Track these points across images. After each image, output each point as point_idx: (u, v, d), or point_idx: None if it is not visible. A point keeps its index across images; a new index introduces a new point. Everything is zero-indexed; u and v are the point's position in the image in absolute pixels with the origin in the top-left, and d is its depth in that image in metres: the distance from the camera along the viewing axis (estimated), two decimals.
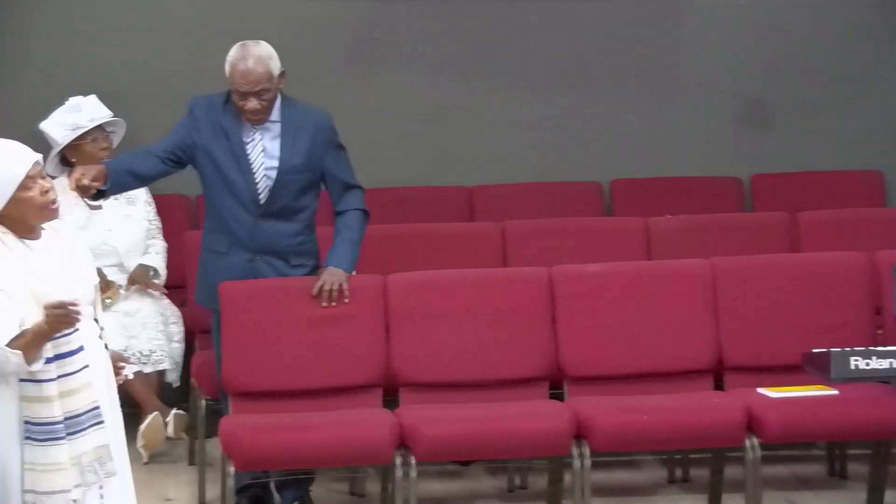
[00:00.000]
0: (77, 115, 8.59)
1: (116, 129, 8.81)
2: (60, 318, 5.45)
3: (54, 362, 5.71)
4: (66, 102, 8.77)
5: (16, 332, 5.47)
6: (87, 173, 7.36)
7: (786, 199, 10.33)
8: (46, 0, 10.06)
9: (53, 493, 5.73)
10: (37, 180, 5.88)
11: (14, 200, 5.79)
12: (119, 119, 8.85)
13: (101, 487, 5.88)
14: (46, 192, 5.85)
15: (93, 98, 8.76)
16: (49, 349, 5.61)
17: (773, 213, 10.09)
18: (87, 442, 5.78)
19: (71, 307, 5.39)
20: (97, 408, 5.81)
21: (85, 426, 5.80)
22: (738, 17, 10.67)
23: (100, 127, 8.70)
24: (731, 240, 9.26)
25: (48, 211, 5.89)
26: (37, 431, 5.71)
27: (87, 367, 5.81)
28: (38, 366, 5.50)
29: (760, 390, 7.81)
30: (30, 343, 5.48)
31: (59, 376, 5.74)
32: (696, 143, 10.72)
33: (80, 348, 5.79)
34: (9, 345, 5.39)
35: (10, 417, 5.71)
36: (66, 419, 5.76)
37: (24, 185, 5.80)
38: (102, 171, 7.46)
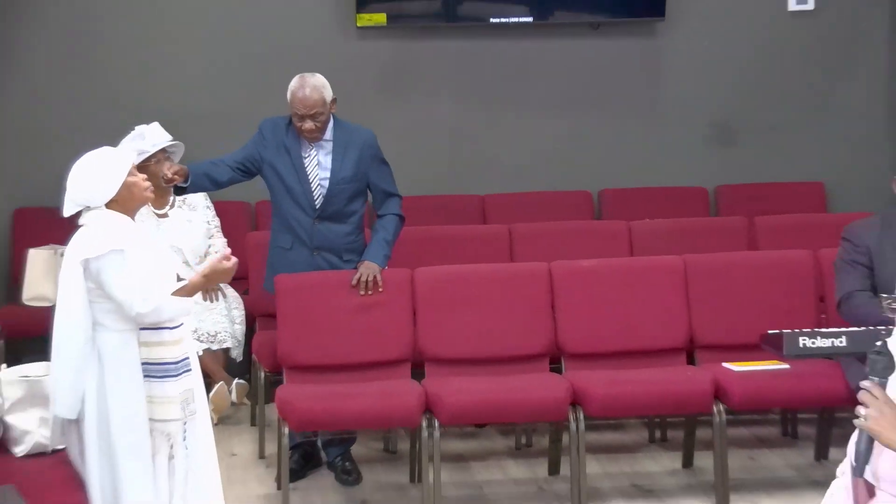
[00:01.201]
0: (142, 142, 8.56)
1: (176, 151, 8.77)
2: (228, 271, 6.08)
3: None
4: (133, 131, 8.73)
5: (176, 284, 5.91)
6: (172, 168, 7.52)
7: (745, 206, 10.33)
8: (117, 43, 10.05)
9: (168, 420, 5.95)
10: (136, 172, 6.12)
11: (125, 184, 6.00)
12: (178, 142, 8.81)
13: (184, 424, 6.06)
14: (145, 180, 6.16)
15: (155, 125, 8.73)
16: (188, 311, 6.08)
17: (733, 217, 10.09)
18: (183, 383, 5.98)
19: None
20: (187, 358, 6.06)
21: (181, 371, 6.02)
22: (704, 56, 10.67)
23: (162, 150, 8.66)
24: (699, 240, 9.23)
25: (149, 193, 6.23)
26: (156, 371, 5.93)
27: (182, 325, 6.06)
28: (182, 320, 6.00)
29: (726, 365, 7.79)
30: (189, 293, 5.96)
31: (170, 327, 6.04)
32: (670, 159, 10.71)
33: None
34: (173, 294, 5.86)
35: (135, 359, 5.89)
36: (174, 362, 6.00)
37: (131, 172, 6.04)
38: (184, 170, 7.56)
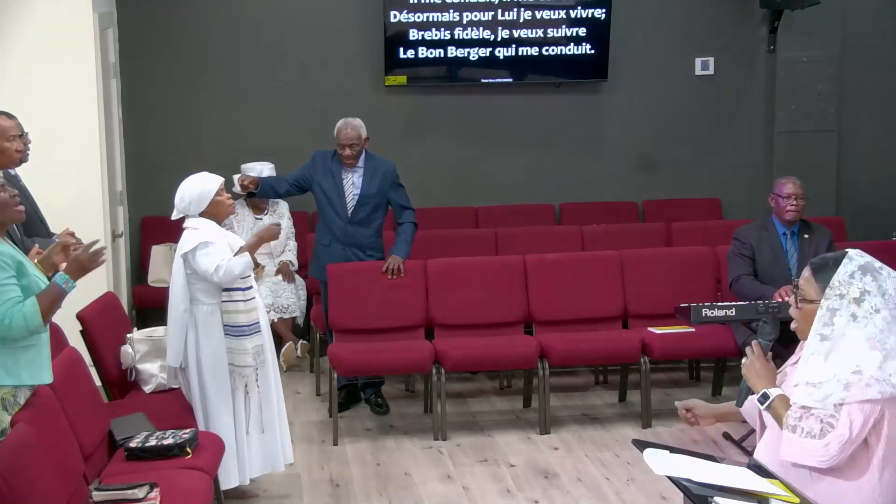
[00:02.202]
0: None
1: (264, 171, 8.83)
2: (275, 234, 6.43)
3: (241, 291, 6.15)
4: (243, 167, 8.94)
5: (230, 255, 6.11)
6: (246, 179, 7.70)
7: (663, 214, 10.29)
8: (218, 98, 10.07)
9: (244, 366, 6.12)
10: (223, 192, 6.18)
11: (213, 201, 6.13)
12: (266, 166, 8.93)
13: (256, 370, 6.23)
14: (230, 198, 6.32)
15: (254, 165, 8.88)
16: (240, 283, 6.17)
17: (655, 223, 10.08)
18: (254, 340, 6.11)
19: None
20: (258, 322, 6.22)
21: (252, 332, 6.17)
22: (635, 107, 10.68)
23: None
24: (631, 239, 9.22)
25: (231, 209, 6.42)
26: (233, 331, 6.09)
27: (254, 298, 6.21)
28: (249, 271, 6.14)
29: (650, 329, 7.84)
30: (249, 250, 6.13)
31: (243, 300, 6.16)
32: (610, 181, 10.68)
33: (251, 287, 6.21)
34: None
35: (219, 324, 6.12)
36: (247, 325, 6.11)
37: (218, 192, 6.14)
38: (256, 180, 7.77)
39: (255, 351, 6.19)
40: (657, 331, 7.80)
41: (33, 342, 4.86)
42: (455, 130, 10.55)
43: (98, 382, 6.39)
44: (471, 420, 7.90)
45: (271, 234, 6.36)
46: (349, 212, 7.91)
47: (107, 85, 8.19)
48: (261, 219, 8.97)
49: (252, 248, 6.19)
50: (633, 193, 10.75)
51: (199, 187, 6.18)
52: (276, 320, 8.75)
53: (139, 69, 9.63)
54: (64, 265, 5.03)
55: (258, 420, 6.27)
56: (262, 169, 8.86)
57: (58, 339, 5.65)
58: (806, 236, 7.49)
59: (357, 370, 7.82)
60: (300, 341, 9.03)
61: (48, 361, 5.00)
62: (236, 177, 7.73)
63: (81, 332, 6.55)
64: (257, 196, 8.19)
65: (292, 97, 10.16)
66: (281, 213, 9.22)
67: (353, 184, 7.89)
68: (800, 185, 7.47)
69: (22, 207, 5.00)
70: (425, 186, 9.58)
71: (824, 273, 3.64)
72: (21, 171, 6.26)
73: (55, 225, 6.02)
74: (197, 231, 6.12)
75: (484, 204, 10.47)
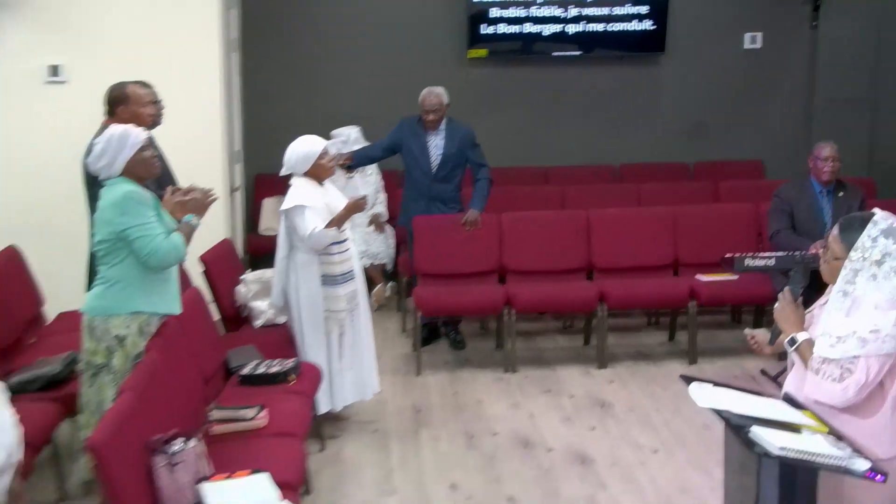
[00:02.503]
0: (343, 144, 8.71)
1: (352, 134, 8.99)
2: (360, 206, 6.27)
3: (336, 245, 6.20)
4: (341, 133, 9.12)
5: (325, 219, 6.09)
6: (341, 159, 7.69)
7: (712, 175, 10.29)
8: (321, 71, 10.29)
9: (338, 311, 6.18)
10: (325, 155, 6.23)
11: (316, 164, 6.19)
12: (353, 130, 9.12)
13: (351, 312, 6.30)
14: (331, 161, 6.36)
15: (353, 134, 9.08)
16: (336, 237, 6.17)
17: (704, 182, 10.07)
18: (347, 287, 6.19)
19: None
20: (351, 271, 6.28)
21: (346, 280, 6.26)
22: (688, 77, 10.67)
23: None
24: (683, 197, 9.26)
25: (331, 172, 6.40)
26: (328, 280, 6.19)
27: (348, 249, 6.25)
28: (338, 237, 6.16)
29: (698, 276, 7.84)
30: (337, 223, 6.12)
31: (338, 252, 6.19)
32: (665, 144, 10.71)
33: (346, 240, 6.25)
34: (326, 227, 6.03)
35: (315, 272, 6.17)
36: (340, 274, 6.18)
37: (320, 155, 6.20)
38: (350, 157, 7.95)
39: (348, 297, 6.27)
40: (704, 278, 7.80)
41: (167, 276, 5.04)
42: (528, 98, 10.64)
43: (216, 317, 6.58)
44: (537, 355, 7.96)
45: (358, 207, 6.30)
46: (433, 170, 7.97)
47: (228, 58, 8.32)
48: (352, 177, 9.01)
49: (340, 220, 6.20)
50: (684, 155, 10.77)
51: (304, 149, 6.25)
52: (368, 266, 8.86)
53: (257, 44, 9.81)
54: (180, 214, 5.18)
55: (350, 355, 6.37)
56: (350, 132, 9.01)
57: (184, 278, 5.79)
58: (840, 195, 7.44)
59: (438, 310, 7.93)
60: (389, 284, 9.15)
61: (178, 295, 5.17)
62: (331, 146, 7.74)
63: (203, 272, 6.73)
64: (353, 167, 8.35)
65: (386, 69, 10.33)
66: (369, 172, 9.27)
67: (436, 146, 7.95)
68: (836, 148, 7.44)
69: (158, 164, 5.20)
70: (500, 148, 9.58)
71: (850, 233, 3.65)
72: (154, 133, 6.40)
73: (183, 180, 6.13)
74: (298, 191, 6.18)
75: (552, 164, 10.52)
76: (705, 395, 3.69)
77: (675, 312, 8.33)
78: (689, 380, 3.78)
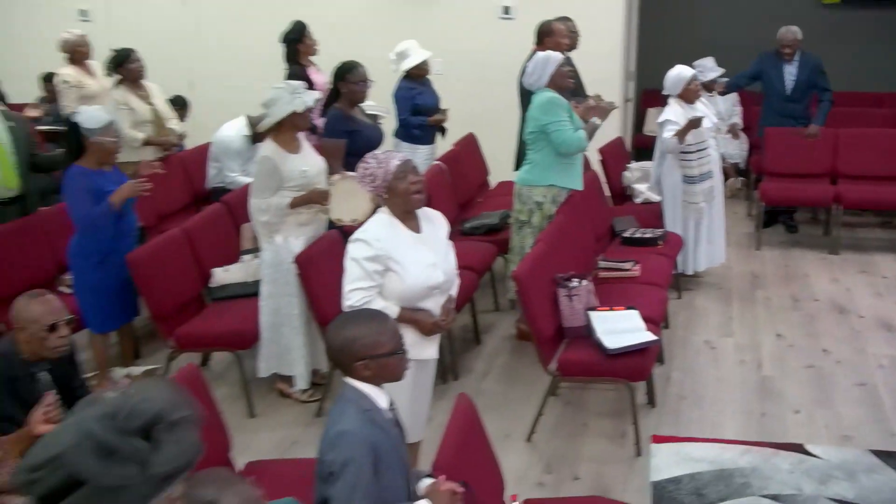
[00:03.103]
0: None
1: (706, 63, 8.05)
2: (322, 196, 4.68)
3: (695, 153, 6.06)
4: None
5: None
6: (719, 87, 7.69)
7: None
8: (704, 3, 10.05)
9: (695, 203, 6.16)
10: (693, 82, 6.05)
11: (685, 89, 6.10)
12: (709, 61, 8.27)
13: (708, 202, 6.21)
14: (698, 86, 6.09)
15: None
16: (693, 147, 5.90)
17: None
18: (704, 185, 6.17)
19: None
20: (710, 171, 6.14)
21: (704, 180, 6.14)
22: None
23: None
24: None
25: (698, 94, 6.16)
26: (688, 179, 6.11)
27: (708, 156, 6.12)
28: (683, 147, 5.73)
29: None
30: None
31: (697, 158, 6.08)
32: None
33: (705, 149, 6.08)
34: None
35: (677, 171, 6.01)
36: (699, 175, 6.06)
37: (689, 81, 6.12)
38: (722, 87, 7.86)
39: (704, 192, 6.22)
40: None
41: (574, 161, 5.37)
42: (873, 38, 9.88)
43: (607, 193, 6.74)
44: (857, 243, 7.64)
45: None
46: (787, 93, 7.76)
47: (631, 3, 8.36)
48: (713, 95, 8.79)
49: (682, 134, 6.06)
50: None
51: (677, 75, 6.25)
52: (725, 164, 8.73)
53: None
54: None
55: (706, 231, 6.35)
56: (706, 63, 8.47)
57: (585, 163, 5.83)
58: None
59: (777, 201, 7.81)
60: (740, 178, 8.99)
61: (581, 175, 5.46)
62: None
63: (600, 161, 6.94)
64: (725, 93, 8.14)
65: (752, 9, 9.97)
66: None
67: (790, 73, 7.74)
68: None
69: (572, 80, 5.51)
70: (843, 74, 9.07)
71: None
72: (571, 55, 6.59)
73: (591, 91, 6.13)
74: (669, 108, 6.20)
75: (887, 91, 9.84)
76: None
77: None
78: None
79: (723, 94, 8.10)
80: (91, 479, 1.46)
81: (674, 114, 6.14)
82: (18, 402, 3.26)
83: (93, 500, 1.47)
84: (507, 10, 8.19)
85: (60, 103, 6.87)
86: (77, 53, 6.88)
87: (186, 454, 1.54)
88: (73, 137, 4.72)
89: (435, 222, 3.59)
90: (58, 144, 6.53)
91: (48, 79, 7.68)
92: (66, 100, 6.74)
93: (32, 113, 7.58)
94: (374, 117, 5.65)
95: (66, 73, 6.86)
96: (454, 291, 3.64)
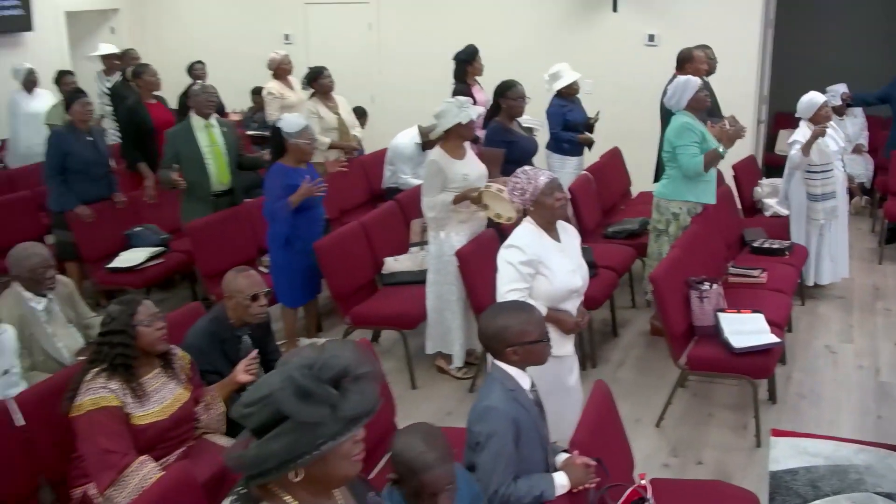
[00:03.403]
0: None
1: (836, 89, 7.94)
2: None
3: (820, 172, 5.68)
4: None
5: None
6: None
7: None
8: (826, 32, 9.54)
9: (816, 220, 5.83)
10: (823, 109, 5.68)
11: (815, 113, 5.68)
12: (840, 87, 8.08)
13: (829, 221, 5.94)
14: (828, 113, 5.68)
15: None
16: (819, 167, 5.56)
17: None
18: (826, 204, 5.85)
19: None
20: (833, 191, 5.82)
21: (826, 199, 5.82)
22: None
23: None
24: None
25: (827, 119, 5.73)
26: (811, 196, 5.79)
27: (832, 175, 5.74)
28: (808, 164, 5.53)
29: None
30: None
31: (821, 179, 5.74)
32: None
33: (830, 169, 5.74)
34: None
35: (804, 188, 5.71)
36: (821, 194, 5.75)
37: (820, 107, 5.72)
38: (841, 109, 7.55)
39: (825, 211, 5.91)
40: None
41: (709, 177, 5.17)
42: None
43: (738, 206, 6.49)
44: None
45: (822, 128, 5.60)
46: None
47: (765, 33, 8.12)
48: (842, 119, 8.25)
49: (807, 148, 5.74)
50: None
51: (809, 100, 5.92)
52: (851, 185, 8.28)
53: (785, 19, 9.07)
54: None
55: (830, 247, 6.02)
56: (838, 87, 7.98)
57: (719, 179, 5.70)
58: None
59: None
60: (864, 197, 8.52)
61: (714, 190, 5.29)
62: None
63: (733, 177, 6.69)
64: (851, 105, 7.73)
65: (878, 33, 9.38)
66: (856, 114, 8.30)
67: None
68: None
69: (708, 100, 5.28)
70: None
71: None
72: (708, 79, 6.32)
73: (726, 112, 5.96)
74: (799, 130, 5.87)
75: None
76: None
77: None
78: None
79: (849, 105, 7.64)
80: (292, 415, 1.59)
81: (803, 136, 5.90)
82: (225, 358, 3.49)
83: (295, 433, 1.60)
84: (651, 37, 8.09)
85: (266, 111, 7.23)
86: (281, 70, 7.23)
87: (368, 402, 1.65)
88: (276, 140, 4.92)
89: (570, 233, 3.60)
90: (262, 147, 6.87)
91: (257, 91, 8.11)
92: (271, 108, 7.11)
93: (235, 118, 8.12)
94: (530, 130, 5.67)
95: (271, 86, 7.24)
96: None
